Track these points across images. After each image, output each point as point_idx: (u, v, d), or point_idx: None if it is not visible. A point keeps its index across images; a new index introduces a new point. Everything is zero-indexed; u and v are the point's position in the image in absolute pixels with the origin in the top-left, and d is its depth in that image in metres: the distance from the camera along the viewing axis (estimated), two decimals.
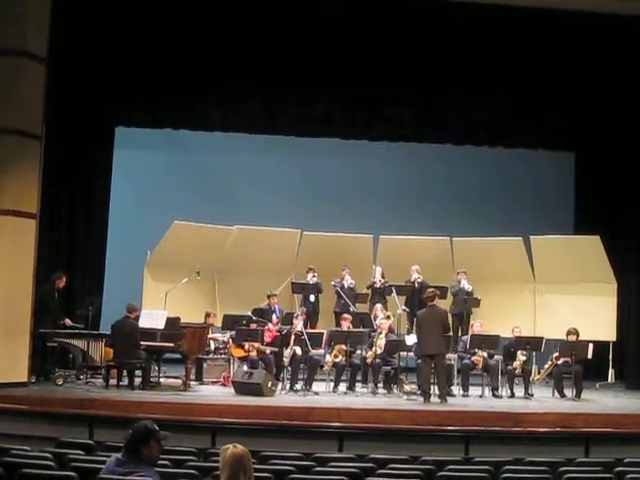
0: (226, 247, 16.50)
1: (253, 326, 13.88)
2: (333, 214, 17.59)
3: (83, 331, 13.81)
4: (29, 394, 11.85)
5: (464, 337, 13.98)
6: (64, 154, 15.07)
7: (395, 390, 13.36)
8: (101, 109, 15.49)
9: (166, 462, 7.04)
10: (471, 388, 13.52)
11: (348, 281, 15.46)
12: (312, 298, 15.52)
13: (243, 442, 5.72)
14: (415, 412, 11.60)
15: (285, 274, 16.45)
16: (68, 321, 13.89)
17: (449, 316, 13.64)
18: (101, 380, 13.21)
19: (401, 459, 8.29)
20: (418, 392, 13.19)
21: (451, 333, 14.09)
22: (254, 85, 15.56)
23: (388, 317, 13.92)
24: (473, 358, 13.49)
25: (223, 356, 14.35)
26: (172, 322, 13.23)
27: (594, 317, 15.28)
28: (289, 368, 13.36)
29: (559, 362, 13.49)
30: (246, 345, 13.60)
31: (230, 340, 14.08)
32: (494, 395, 13.41)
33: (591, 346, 13.78)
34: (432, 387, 12.64)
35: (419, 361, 13.31)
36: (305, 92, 15.83)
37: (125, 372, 13.01)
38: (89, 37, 14.65)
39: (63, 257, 15.55)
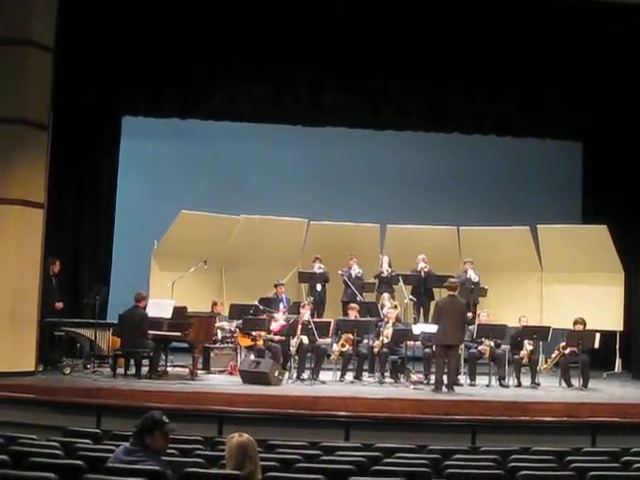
0: (233, 236, 16.52)
1: (259, 315, 13.88)
2: (340, 203, 17.63)
3: (90, 320, 13.85)
4: (36, 383, 11.90)
5: (471, 326, 13.95)
6: (71, 143, 15.11)
7: (402, 379, 13.35)
8: (108, 98, 15.50)
9: (173, 451, 7.05)
10: (478, 377, 13.52)
11: (355, 270, 15.45)
12: (319, 287, 15.54)
13: (250, 431, 5.75)
14: (422, 401, 11.61)
15: (292, 263, 16.48)
16: (59, 305, 13.85)
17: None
18: (108, 369, 13.24)
19: (408, 448, 8.31)
20: (424, 381, 13.22)
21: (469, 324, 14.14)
22: (261, 74, 15.57)
23: (395, 307, 13.93)
24: (480, 347, 13.49)
25: (230, 345, 14.37)
26: (179, 311, 13.26)
27: (601, 307, 15.27)
28: (296, 357, 13.37)
29: (566, 351, 13.48)
30: (254, 334, 13.62)
31: (237, 329, 14.10)
32: (501, 384, 13.40)
33: (598, 336, 13.75)
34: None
35: (426, 350, 13.33)
36: (312, 81, 15.82)
37: (132, 361, 13.04)
38: (96, 26, 14.63)
39: (70, 246, 15.60)
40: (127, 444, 5.99)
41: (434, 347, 13.05)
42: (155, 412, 6.00)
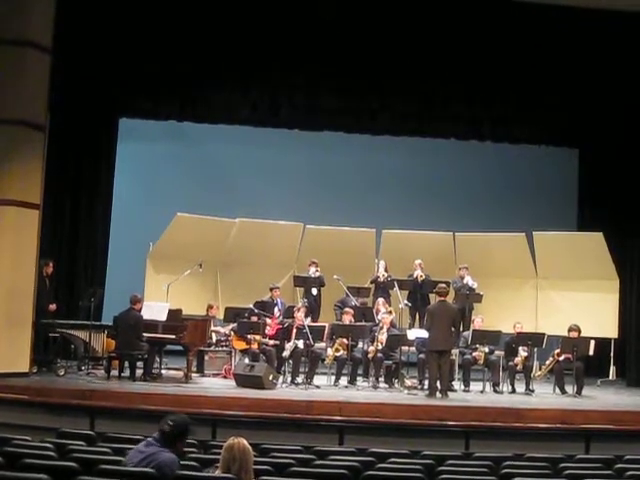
0: (229, 240, 16.51)
1: (254, 319, 13.88)
2: (336, 208, 17.60)
3: (85, 322, 13.82)
4: (30, 384, 11.88)
5: (465, 332, 13.97)
6: (68, 145, 15.12)
7: (396, 384, 13.36)
8: (105, 100, 15.51)
9: None
10: (472, 383, 13.52)
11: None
12: (314, 292, 15.50)
13: (244, 435, 5.76)
14: (416, 407, 11.61)
15: (287, 267, 16.46)
16: (52, 307, 13.74)
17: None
18: (102, 371, 13.25)
19: (401, 453, 8.29)
20: (419, 386, 13.23)
21: (461, 329, 14.17)
22: (259, 78, 15.58)
23: (390, 312, 13.92)
24: (474, 353, 13.49)
25: (225, 348, 14.36)
26: (174, 314, 13.25)
27: (596, 314, 15.28)
28: (290, 361, 13.36)
29: (560, 358, 13.48)
30: (248, 337, 13.62)
31: (232, 332, 14.09)
32: (495, 390, 13.42)
33: (592, 343, 13.76)
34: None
35: (421, 355, 13.33)
36: (309, 85, 15.82)
37: (127, 363, 13.03)
38: (94, 27, 14.66)
39: (66, 248, 15.60)
40: (150, 438, 6.15)
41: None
42: (187, 418, 6.18)
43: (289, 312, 14.38)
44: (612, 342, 15.34)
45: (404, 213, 17.50)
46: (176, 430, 6.04)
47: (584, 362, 13.43)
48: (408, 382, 13.36)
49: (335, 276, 15.20)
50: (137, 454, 6.07)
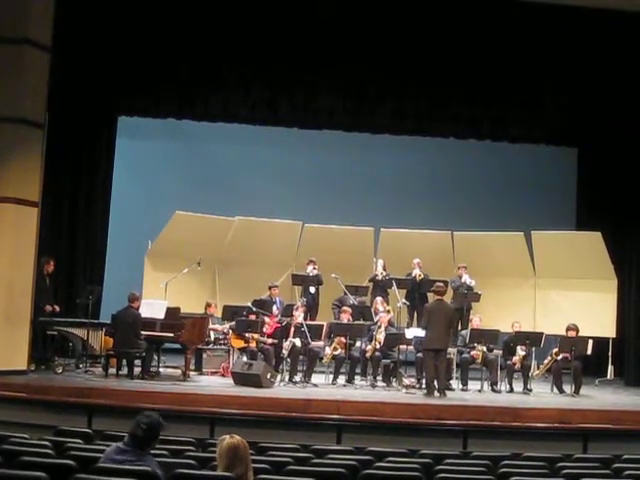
0: (227, 238, 16.51)
1: (252, 317, 13.87)
2: (335, 206, 17.61)
3: (83, 320, 13.81)
4: (28, 382, 11.88)
5: (464, 331, 13.97)
6: (67, 143, 15.10)
7: (394, 383, 13.36)
8: (104, 98, 15.48)
9: (164, 452, 7.04)
10: (470, 382, 13.52)
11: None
12: (312, 290, 15.50)
13: (241, 433, 5.75)
14: (414, 406, 11.62)
15: (286, 266, 16.46)
16: (49, 307, 13.64)
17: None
18: (100, 369, 13.23)
19: (399, 452, 8.29)
20: (417, 385, 13.24)
21: (459, 328, 14.17)
22: (258, 77, 15.56)
23: (388, 311, 13.92)
24: (472, 352, 13.49)
25: (223, 347, 14.36)
26: (172, 312, 13.25)
27: (594, 313, 15.28)
28: (288, 360, 13.36)
29: (558, 358, 13.48)
30: (247, 336, 13.62)
31: (230, 331, 14.09)
32: (493, 390, 13.41)
33: (591, 342, 13.78)
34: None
35: (419, 354, 13.32)
36: (308, 84, 15.80)
37: (125, 361, 13.03)
38: (93, 25, 14.63)
39: (64, 246, 15.57)
40: (120, 444, 5.99)
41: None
42: (158, 417, 6.02)
43: (288, 311, 14.38)
44: (610, 342, 15.35)
45: (403, 212, 17.50)
46: (149, 433, 5.91)
47: (582, 361, 13.43)
48: (406, 381, 13.36)
49: (333, 275, 15.19)
50: (111, 463, 5.90)
